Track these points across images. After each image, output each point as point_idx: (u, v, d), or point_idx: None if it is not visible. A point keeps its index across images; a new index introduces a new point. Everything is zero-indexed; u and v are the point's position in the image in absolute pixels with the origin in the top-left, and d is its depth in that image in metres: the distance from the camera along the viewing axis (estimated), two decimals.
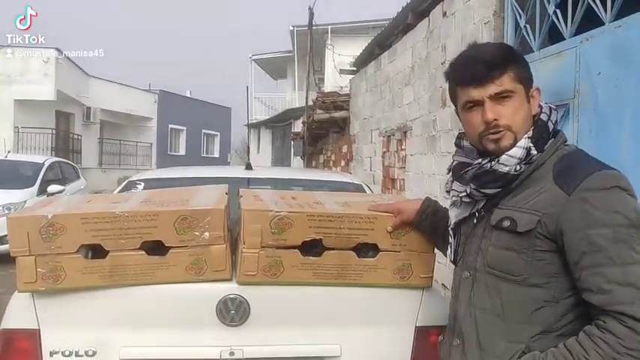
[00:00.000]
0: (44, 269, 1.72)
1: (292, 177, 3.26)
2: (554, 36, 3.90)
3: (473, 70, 1.37)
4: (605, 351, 1.17)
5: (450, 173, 1.53)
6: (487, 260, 1.39)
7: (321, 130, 13.45)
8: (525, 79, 1.39)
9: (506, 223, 1.34)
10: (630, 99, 2.94)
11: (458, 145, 1.53)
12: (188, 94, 31.81)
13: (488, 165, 1.37)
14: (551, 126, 1.40)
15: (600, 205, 1.23)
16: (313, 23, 15.08)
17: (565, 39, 3.62)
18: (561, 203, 1.26)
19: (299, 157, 17.36)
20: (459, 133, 1.55)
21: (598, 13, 3.25)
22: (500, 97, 1.35)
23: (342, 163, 11.57)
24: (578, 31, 3.51)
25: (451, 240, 1.57)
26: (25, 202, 8.14)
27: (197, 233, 1.76)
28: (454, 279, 1.53)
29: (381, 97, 8.50)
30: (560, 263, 1.29)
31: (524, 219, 1.30)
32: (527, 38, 4.08)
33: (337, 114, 11.55)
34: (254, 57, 24.89)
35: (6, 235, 6.81)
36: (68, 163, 11.75)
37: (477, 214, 1.46)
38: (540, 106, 1.43)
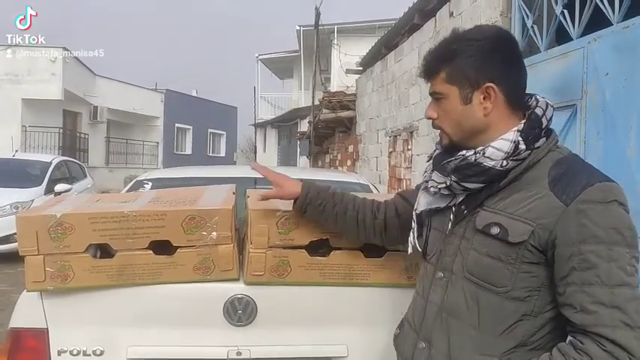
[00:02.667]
0: (53, 268, 1.72)
1: (299, 177, 3.26)
2: (561, 36, 3.89)
3: (421, 67, 1.40)
4: None
5: (431, 162, 1.45)
6: (467, 265, 1.30)
7: (328, 130, 13.47)
8: (463, 79, 1.30)
9: (495, 230, 1.25)
10: (638, 100, 2.93)
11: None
12: (194, 94, 31.88)
13: (473, 157, 1.29)
14: (544, 122, 1.30)
15: (599, 220, 1.16)
16: (320, 23, 15.07)
17: (572, 39, 3.61)
18: (558, 213, 1.18)
19: (305, 157, 17.40)
20: None
21: (606, 13, 3.24)
22: (434, 97, 1.37)
23: (348, 162, 11.57)
24: (586, 31, 3.50)
25: (414, 225, 1.51)
26: (33, 200, 8.19)
27: (205, 233, 1.76)
28: (423, 275, 1.46)
29: (387, 97, 8.49)
30: (545, 276, 1.22)
31: (518, 228, 1.22)
32: (535, 38, 4.07)
33: (343, 114, 11.56)
34: (260, 56, 24.94)
35: (13, 234, 6.90)
36: (75, 162, 11.80)
37: (453, 208, 1.37)
38: (537, 100, 1.34)
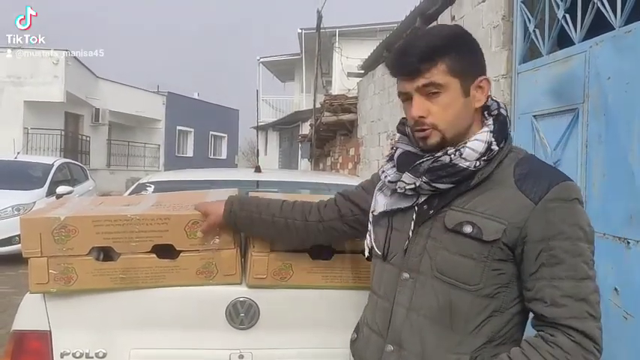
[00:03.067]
0: (56, 271, 1.73)
1: (301, 180, 3.27)
2: (563, 40, 3.89)
3: (403, 61, 1.30)
4: None
5: (393, 162, 1.41)
6: (436, 264, 1.30)
7: (329, 133, 13.46)
8: (463, 71, 1.29)
9: (468, 229, 1.25)
10: None
11: (402, 131, 1.44)
12: (196, 96, 31.93)
13: (448, 158, 1.28)
14: (508, 123, 1.35)
15: (564, 217, 1.21)
16: (321, 26, 15.10)
17: (574, 43, 3.61)
18: (528, 211, 1.22)
19: (306, 160, 17.39)
20: (402, 119, 1.45)
21: (608, 17, 3.25)
22: (429, 91, 1.28)
23: (350, 165, 11.58)
24: (588, 35, 3.50)
25: (370, 227, 1.48)
26: (35, 202, 8.21)
27: (208, 237, 1.77)
28: (382, 276, 1.43)
29: (388, 100, 8.50)
30: (512, 273, 1.26)
31: (491, 227, 1.24)
32: (537, 42, 4.07)
33: (345, 117, 11.56)
34: (262, 59, 24.96)
35: (15, 236, 6.94)
36: (77, 164, 11.83)
37: (416, 208, 1.35)
38: (496, 101, 1.37)
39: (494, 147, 1.29)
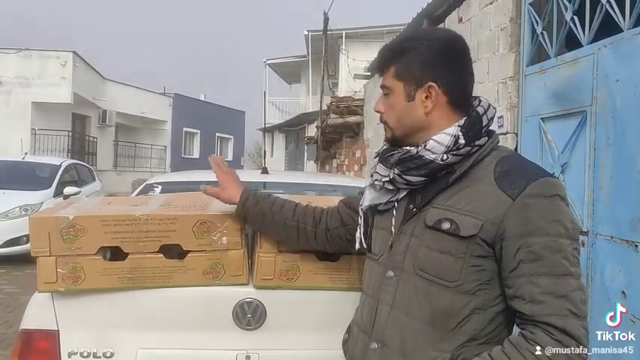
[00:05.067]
0: (64, 270, 1.74)
1: (308, 181, 3.27)
2: (571, 43, 3.88)
3: (375, 61, 1.44)
4: None
5: (377, 157, 1.47)
6: (418, 262, 1.31)
7: (335, 135, 13.47)
8: (409, 76, 1.35)
9: (446, 225, 1.27)
10: None
11: None
12: (202, 98, 32.01)
13: (415, 150, 1.33)
14: (485, 120, 1.35)
15: (543, 214, 1.21)
16: (328, 28, 15.11)
17: (582, 46, 3.60)
18: (505, 207, 1.22)
19: (312, 162, 17.41)
20: None
21: (616, 19, 3.23)
22: (383, 91, 1.41)
23: (356, 167, 11.57)
24: (596, 38, 3.49)
25: (360, 221, 1.52)
26: (42, 203, 8.26)
27: (215, 238, 1.77)
28: (371, 275, 1.45)
29: None
30: (493, 270, 1.26)
31: (468, 223, 1.25)
32: (544, 45, 4.06)
33: (351, 119, 11.56)
34: (268, 61, 25.00)
35: (22, 236, 6.96)
36: (84, 165, 11.88)
37: (396, 204, 1.39)
38: (480, 100, 1.39)
39: (461, 141, 1.30)
